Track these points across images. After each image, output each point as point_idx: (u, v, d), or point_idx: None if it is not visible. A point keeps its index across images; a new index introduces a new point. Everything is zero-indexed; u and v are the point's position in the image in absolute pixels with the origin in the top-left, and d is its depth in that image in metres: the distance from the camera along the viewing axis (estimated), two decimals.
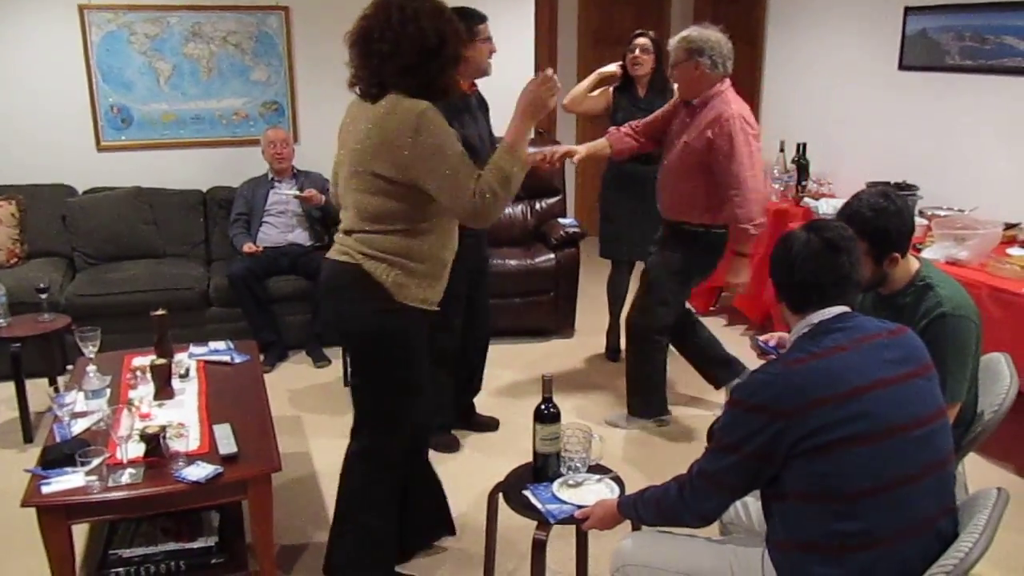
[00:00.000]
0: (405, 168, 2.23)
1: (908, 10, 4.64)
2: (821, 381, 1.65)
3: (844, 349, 1.70)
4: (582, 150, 3.68)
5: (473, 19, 3.22)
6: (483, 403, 3.98)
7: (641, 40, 4.25)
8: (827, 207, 4.46)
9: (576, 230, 4.96)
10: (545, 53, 6.34)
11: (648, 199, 3.85)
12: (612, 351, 4.71)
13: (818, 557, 1.65)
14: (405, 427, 2.52)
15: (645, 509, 1.92)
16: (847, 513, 1.62)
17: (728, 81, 3.44)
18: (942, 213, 4.16)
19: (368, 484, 2.58)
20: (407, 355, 2.43)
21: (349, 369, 2.55)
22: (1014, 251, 3.73)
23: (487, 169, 2.24)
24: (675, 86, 4.33)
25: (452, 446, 3.65)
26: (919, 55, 4.61)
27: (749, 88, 6.08)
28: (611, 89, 4.35)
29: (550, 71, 2.32)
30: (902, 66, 4.73)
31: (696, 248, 3.56)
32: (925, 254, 3.66)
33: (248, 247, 4.62)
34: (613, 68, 4.30)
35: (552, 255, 4.89)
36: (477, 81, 3.43)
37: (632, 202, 4.33)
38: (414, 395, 2.50)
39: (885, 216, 2.17)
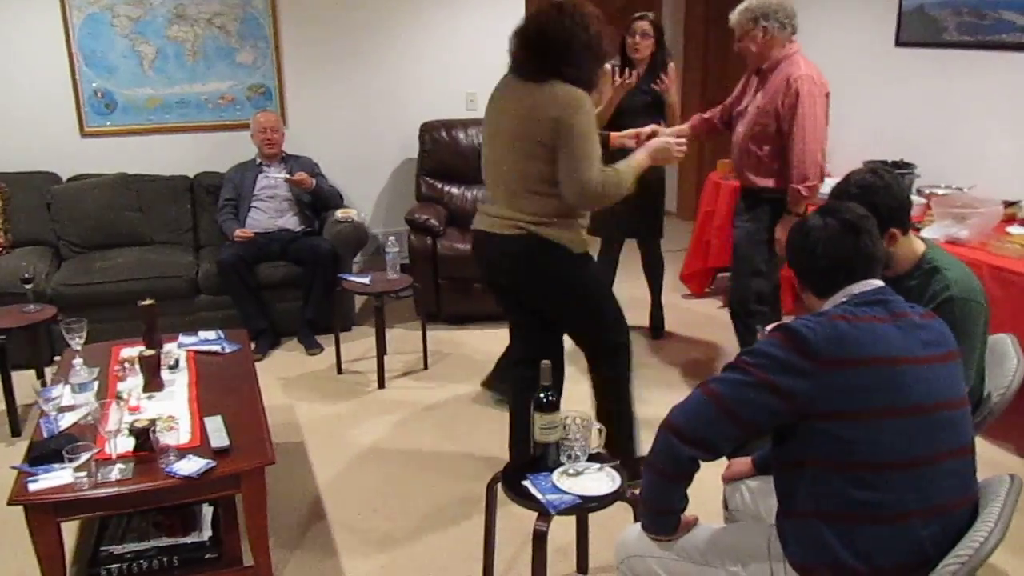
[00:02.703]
0: (557, 137, 2.63)
1: None
2: (863, 340, 1.63)
3: (883, 320, 1.68)
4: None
5: None
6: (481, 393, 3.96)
7: (642, 24, 4.20)
8: (823, 187, 4.40)
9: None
10: None
11: (639, 184, 3.94)
12: None
13: (832, 526, 1.63)
14: (625, 332, 3.03)
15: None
16: (869, 482, 1.60)
17: (797, 43, 3.48)
18: (940, 191, 4.12)
19: (626, 386, 3.11)
20: (600, 289, 3.03)
21: (565, 325, 2.99)
22: (1014, 229, 3.69)
23: (610, 169, 2.70)
24: (671, 65, 4.31)
25: None
26: (916, 31, 4.55)
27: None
28: (609, 73, 4.27)
29: (683, 141, 2.97)
30: (899, 42, 4.67)
31: (778, 213, 3.55)
32: (924, 233, 3.61)
33: (240, 232, 4.55)
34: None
35: None
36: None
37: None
38: (616, 311, 3.01)
39: (872, 192, 2.15)
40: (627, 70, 3.90)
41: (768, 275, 3.68)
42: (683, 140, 2.99)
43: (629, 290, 4.91)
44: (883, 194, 2.15)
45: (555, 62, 2.65)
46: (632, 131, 3.52)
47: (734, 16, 3.50)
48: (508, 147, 2.76)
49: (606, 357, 3.05)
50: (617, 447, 2.99)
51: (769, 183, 3.54)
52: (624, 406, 3.11)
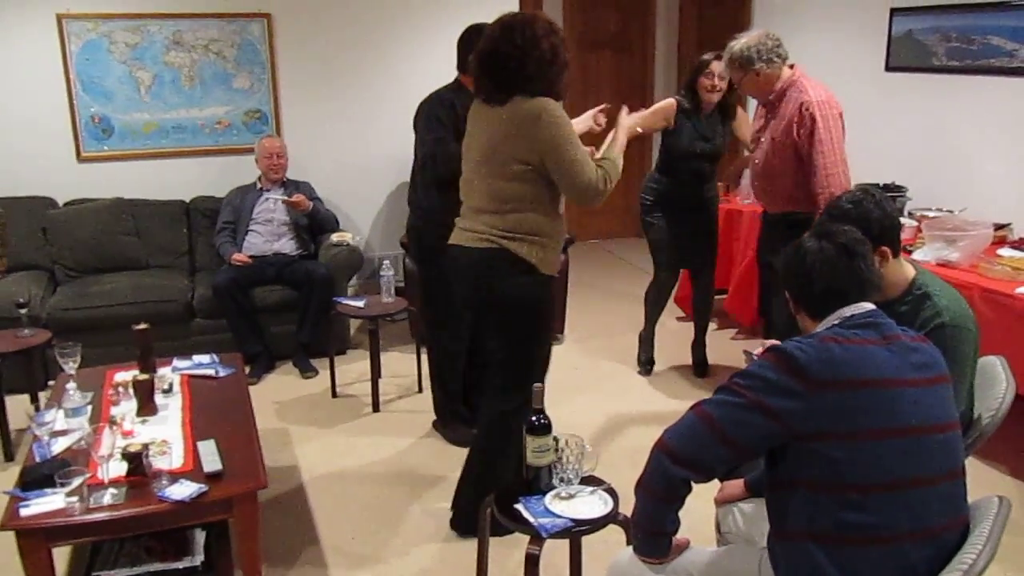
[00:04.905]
0: (532, 153, 2.64)
1: (894, 11, 4.63)
2: (854, 362, 1.65)
3: (875, 343, 1.69)
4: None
5: None
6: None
7: (718, 65, 3.91)
8: None
9: (566, 236, 4.92)
10: None
11: (690, 215, 4.24)
12: (646, 364, 4.55)
13: (823, 547, 1.63)
14: (536, 378, 2.79)
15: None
16: (858, 504, 1.60)
17: (797, 68, 3.46)
18: (931, 214, 4.15)
19: (514, 435, 2.78)
20: (551, 317, 2.97)
21: (497, 341, 2.88)
22: (1004, 252, 3.71)
23: (602, 161, 2.73)
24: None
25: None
26: (906, 56, 4.61)
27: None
28: (675, 108, 4.07)
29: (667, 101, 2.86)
30: (889, 67, 4.72)
31: None
32: (916, 256, 3.64)
33: (237, 256, 4.56)
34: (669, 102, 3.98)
35: None
36: None
37: (685, 216, 4.26)
38: (546, 355, 2.99)
39: (863, 207, 2.18)
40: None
41: None
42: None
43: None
44: (875, 210, 2.18)
45: (513, 82, 2.67)
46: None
47: (721, 67, 3.48)
48: (477, 168, 2.79)
49: (508, 386, 2.87)
50: (470, 488, 2.95)
51: (800, 208, 3.49)
52: (507, 445, 2.87)
